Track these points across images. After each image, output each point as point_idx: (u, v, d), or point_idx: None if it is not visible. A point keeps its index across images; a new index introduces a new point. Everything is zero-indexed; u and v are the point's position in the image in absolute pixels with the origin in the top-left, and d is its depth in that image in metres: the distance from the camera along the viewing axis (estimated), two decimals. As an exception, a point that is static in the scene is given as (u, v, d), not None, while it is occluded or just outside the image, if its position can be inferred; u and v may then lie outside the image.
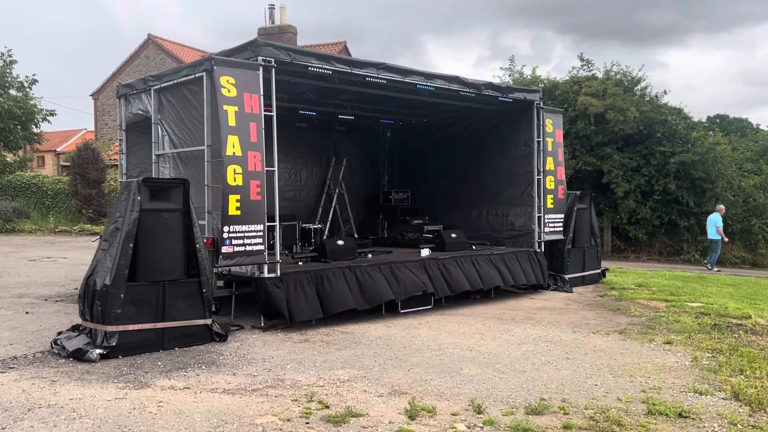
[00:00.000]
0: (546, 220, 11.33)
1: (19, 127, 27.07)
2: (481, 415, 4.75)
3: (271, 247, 7.76)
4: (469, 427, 4.52)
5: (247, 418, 4.61)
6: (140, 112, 9.42)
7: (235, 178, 7.18)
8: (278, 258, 7.75)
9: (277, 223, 7.81)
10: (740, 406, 5.01)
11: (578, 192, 12.32)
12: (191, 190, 7.04)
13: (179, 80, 8.41)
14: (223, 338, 7.00)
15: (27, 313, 8.59)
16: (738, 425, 4.60)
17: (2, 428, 4.34)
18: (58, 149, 42.49)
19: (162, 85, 8.81)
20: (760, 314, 9.11)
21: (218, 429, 4.41)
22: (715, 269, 16.39)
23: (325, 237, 11.88)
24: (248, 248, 7.32)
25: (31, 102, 27.52)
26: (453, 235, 10.74)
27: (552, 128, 11.53)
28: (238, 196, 7.21)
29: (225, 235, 7.12)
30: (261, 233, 7.43)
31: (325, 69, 8.44)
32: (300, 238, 11.45)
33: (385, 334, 7.56)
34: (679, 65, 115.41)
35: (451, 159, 13.17)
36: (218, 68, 7.26)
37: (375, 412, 4.80)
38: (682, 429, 4.54)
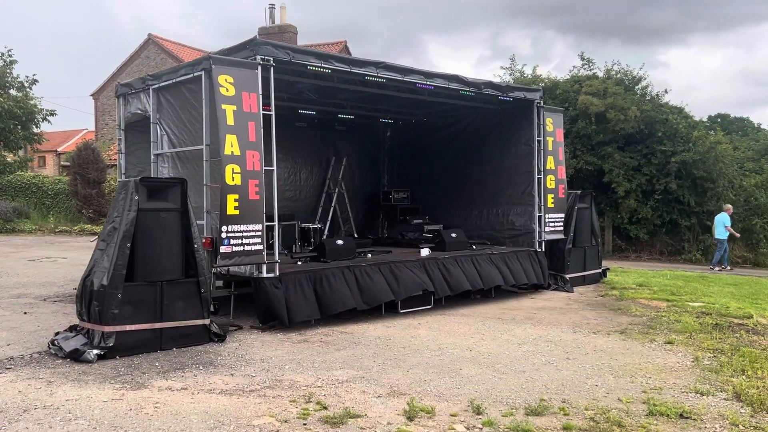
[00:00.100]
0: (546, 220, 11.29)
1: (19, 127, 27.04)
2: (480, 416, 4.71)
3: (270, 247, 7.72)
4: (468, 428, 4.47)
5: (244, 420, 4.57)
6: (139, 111, 9.39)
7: (233, 178, 7.15)
8: (277, 258, 7.71)
9: (275, 223, 7.77)
10: (742, 407, 4.97)
11: (579, 191, 12.28)
12: (190, 190, 7.01)
13: (178, 79, 8.37)
14: (221, 338, 6.96)
15: (25, 313, 8.56)
16: (740, 426, 4.56)
17: (-3, 430, 4.31)
18: (59, 149, 42.47)
19: (161, 85, 8.78)
20: (761, 314, 9.06)
21: (215, 430, 4.37)
22: (717, 268, 16.34)
23: (324, 237, 11.84)
24: (247, 248, 7.29)
25: (32, 102, 27.50)
26: (453, 235, 10.70)
27: (552, 127, 11.48)
28: (236, 196, 7.18)
29: (223, 235, 7.08)
30: (259, 233, 7.39)
31: (324, 68, 8.40)
32: (299, 237, 11.41)
33: (384, 335, 7.52)
34: (679, 64, 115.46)
35: (452, 158, 13.13)
36: (216, 67, 7.23)
37: (373, 413, 4.76)
38: (683, 430, 4.50)
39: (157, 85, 8.84)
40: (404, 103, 12.20)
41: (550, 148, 11.39)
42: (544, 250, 11.27)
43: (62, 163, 39.62)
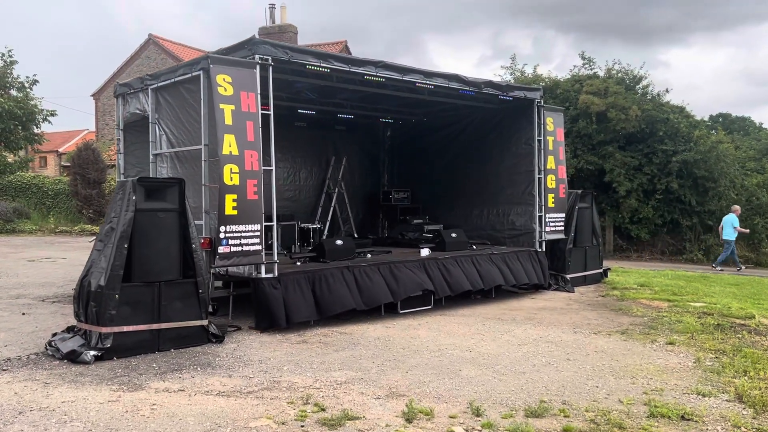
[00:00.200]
0: (547, 220, 11.24)
1: (19, 127, 27.04)
2: (479, 418, 4.66)
3: (268, 247, 7.68)
4: (467, 431, 4.43)
5: (241, 422, 4.53)
6: (138, 111, 9.35)
7: (231, 178, 7.11)
8: (275, 258, 7.67)
9: (274, 223, 7.73)
10: (744, 408, 4.92)
11: (580, 191, 12.23)
12: (189, 190, 6.97)
13: (176, 79, 8.33)
14: (219, 339, 6.92)
15: (23, 314, 8.53)
16: (742, 428, 4.51)
17: (-8, 432, 4.27)
18: (61, 149, 42.49)
19: (159, 84, 8.74)
20: (763, 314, 9.01)
21: (211, 432, 4.33)
22: (719, 268, 16.29)
23: (324, 237, 11.80)
24: (245, 248, 7.25)
25: (32, 102, 27.50)
26: (453, 235, 10.66)
27: (553, 126, 11.44)
28: (234, 196, 7.14)
29: (221, 235, 7.04)
30: (258, 233, 7.35)
31: (323, 67, 8.36)
32: (299, 238, 11.37)
33: (384, 335, 7.48)
34: (681, 64, 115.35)
35: (452, 158, 13.08)
36: (214, 66, 7.19)
37: (372, 414, 4.72)
38: (685, 432, 4.46)
39: (155, 85, 8.81)
40: (404, 102, 12.15)
41: (550, 147, 11.34)
42: (544, 250, 11.22)
43: (63, 163, 39.63)
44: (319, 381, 5.57)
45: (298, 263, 8.82)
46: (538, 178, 11.21)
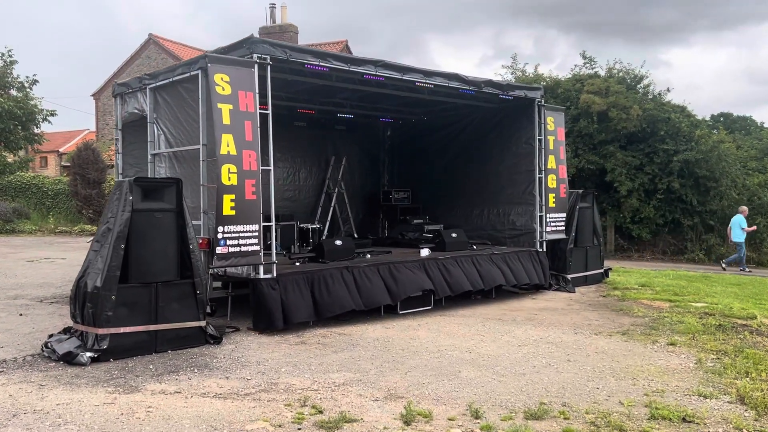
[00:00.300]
0: (548, 220, 11.19)
1: (19, 127, 27.02)
2: (478, 420, 4.61)
3: (267, 247, 7.63)
4: (466, 433, 4.38)
5: (237, 424, 4.48)
6: (136, 111, 9.30)
7: (229, 178, 7.06)
8: (274, 258, 7.62)
9: (272, 223, 7.68)
10: (746, 410, 4.86)
11: (580, 190, 12.17)
12: (187, 190, 6.92)
13: (175, 78, 8.29)
14: (217, 340, 6.87)
15: (21, 315, 8.48)
16: (743, 430, 4.46)
17: (-15, 435, 4.23)
18: (61, 150, 42.47)
19: (158, 84, 8.70)
20: (765, 314, 8.95)
21: (207, 435, 4.29)
22: (725, 267, 16.26)
23: (324, 237, 11.75)
24: (243, 249, 7.19)
25: (32, 102, 27.48)
26: (453, 235, 10.60)
27: (553, 126, 11.38)
28: (232, 196, 7.09)
29: (219, 236, 6.99)
30: (256, 233, 7.30)
31: (322, 66, 8.31)
32: (298, 238, 11.32)
33: (383, 336, 7.43)
34: (682, 63, 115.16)
35: (452, 158, 13.02)
36: (212, 66, 7.13)
37: (369, 417, 4.67)
38: (687, 434, 4.40)
39: (153, 85, 8.76)
40: (404, 102, 12.10)
41: (551, 147, 11.29)
42: (545, 250, 11.16)
43: (63, 163, 39.61)
44: (317, 383, 5.52)
45: (297, 263, 8.77)
46: (539, 177, 11.15)
